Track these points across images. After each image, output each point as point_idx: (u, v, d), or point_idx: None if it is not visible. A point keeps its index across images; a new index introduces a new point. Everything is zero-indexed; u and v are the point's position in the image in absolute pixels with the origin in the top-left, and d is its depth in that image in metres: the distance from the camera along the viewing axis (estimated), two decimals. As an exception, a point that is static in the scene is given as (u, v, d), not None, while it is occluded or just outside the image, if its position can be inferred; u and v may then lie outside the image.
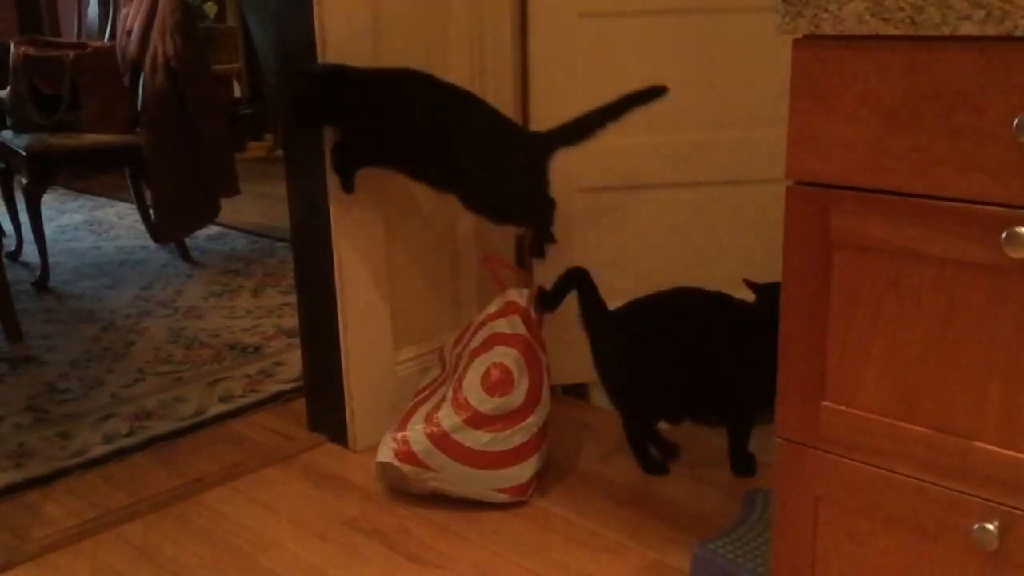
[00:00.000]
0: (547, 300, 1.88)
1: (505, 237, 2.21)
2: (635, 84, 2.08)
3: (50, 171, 3.18)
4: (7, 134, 3.26)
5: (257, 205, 4.18)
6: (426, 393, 1.92)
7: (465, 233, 2.17)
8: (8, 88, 3.30)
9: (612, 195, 2.15)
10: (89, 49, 3.32)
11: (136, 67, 3.13)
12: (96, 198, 4.60)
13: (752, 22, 2.05)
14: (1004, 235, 0.87)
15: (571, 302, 1.88)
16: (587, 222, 2.16)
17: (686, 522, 1.75)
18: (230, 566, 1.66)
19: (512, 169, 1.85)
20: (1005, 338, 0.91)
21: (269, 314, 2.92)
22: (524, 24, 2.09)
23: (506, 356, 1.82)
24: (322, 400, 2.11)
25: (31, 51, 3.27)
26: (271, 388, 2.37)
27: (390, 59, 1.91)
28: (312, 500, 1.87)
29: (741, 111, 2.11)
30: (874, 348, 0.99)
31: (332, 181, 1.90)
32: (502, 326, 1.87)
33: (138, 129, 3.14)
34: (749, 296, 1.81)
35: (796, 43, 0.97)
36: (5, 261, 2.87)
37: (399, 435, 1.78)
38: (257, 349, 2.64)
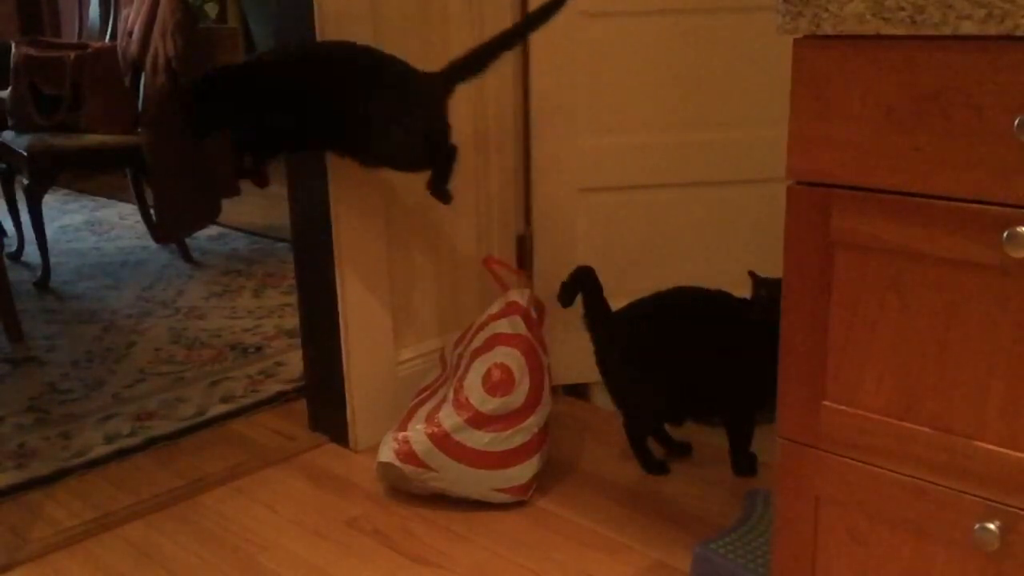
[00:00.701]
0: (560, 298, 1.88)
1: (506, 238, 2.21)
2: (635, 83, 2.08)
3: (51, 171, 3.18)
4: (8, 135, 3.26)
5: (258, 205, 4.18)
6: (427, 393, 1.92)
7: (466, 233, 2.17)
8: (9, 89, 3.30)
9: (612, 195, 2.15)
10: (90, 50, 3.31)
11: (137, 68, 3.12)
12: (97, 198, 4.60)
13: (753, 22, 2.05)
14: (1005, 235, 0.87)
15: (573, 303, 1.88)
16: (587, 222, 2.16)
17: (687, 522, 1.75)
18: (231, 566, 1.67)
19: (410, 109, 1.77)
20: (1006, 337, 0.91)
21: (270, 314, 2.92)
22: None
23: (507, 356, 1.82)
24: (323, 400, 2.11)
25: (32, 52, 3.28)
26: (272, 388, 2.37)
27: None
28: (313, 500, 1.87)
29: (741, 111, 2.11)
30: (875, 348, 0.99)
31: (333, 181, 1.90)
32: (503, 326, 1.87)
33: (139, 130, 3.14)
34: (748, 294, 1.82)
35: (797, 43, 0.97)
36: (6, 261, 2.86)
37: (400, 435, 1.79)
38: (258, 349, 2.64)
